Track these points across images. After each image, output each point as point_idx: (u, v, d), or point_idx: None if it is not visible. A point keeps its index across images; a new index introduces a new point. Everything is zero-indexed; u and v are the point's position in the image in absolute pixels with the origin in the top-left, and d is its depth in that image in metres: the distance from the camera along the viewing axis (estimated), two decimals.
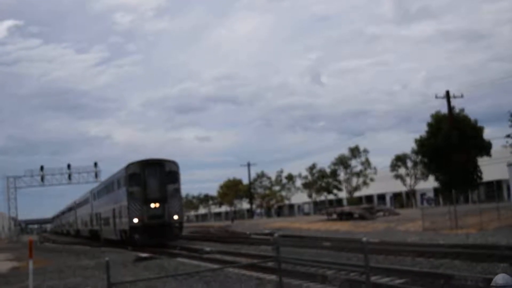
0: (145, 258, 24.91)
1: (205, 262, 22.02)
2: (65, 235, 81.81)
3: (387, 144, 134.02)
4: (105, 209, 42.68)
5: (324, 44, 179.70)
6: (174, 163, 35.48)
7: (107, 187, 42.46)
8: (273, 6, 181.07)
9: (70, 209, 73.94)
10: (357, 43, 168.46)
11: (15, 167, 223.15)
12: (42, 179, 73.18)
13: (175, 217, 33.96)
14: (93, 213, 50.00)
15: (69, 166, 73.90)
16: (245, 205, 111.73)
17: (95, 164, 74.93)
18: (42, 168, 72.82)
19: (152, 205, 33.36)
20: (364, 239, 11.41)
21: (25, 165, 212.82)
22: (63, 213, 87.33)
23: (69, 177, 73.83)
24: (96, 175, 73.01)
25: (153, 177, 33.86)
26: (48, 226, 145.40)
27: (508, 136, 46.10)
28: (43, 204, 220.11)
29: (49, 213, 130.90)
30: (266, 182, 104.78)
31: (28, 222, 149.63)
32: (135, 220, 33.04)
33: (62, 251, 37.91)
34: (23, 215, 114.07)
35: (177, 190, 35.07)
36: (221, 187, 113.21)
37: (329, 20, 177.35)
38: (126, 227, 34.51)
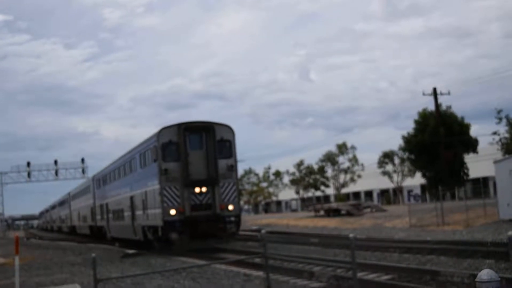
0: (132, 255, 24.82)
1: (192, 258, 21.98)
2: (55, 231, 76.95)
3: (375, 140, 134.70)
4: (117, 198, 33.13)
5: (313, 41, 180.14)
6: (228, 128, 25.20)
7: (122, 168, 32.07)
8: (262, 3, 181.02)
9: (62, 202, 66.18)
10: (346, 40, 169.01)
11: (1, 163, 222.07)
12: (29, 175, 72.94)
13: (230, 207, 24.17)
14: (96, 204, 40.79)
15: (56, 162, 73.72)
16: None
17: (82, 160, 74.89)
18: (28, 164, 72.61)
19: (197, 190, 23.70)
20: (351, 235, 11.49)
21: (12, 161, 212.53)
22: (53, 207, 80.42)
23: (56, 173, 73.61)
24: (83, 171, 72.86)
25: (198, 148, 24.16)
26: (35, 223, 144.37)
27: (494, 133, 46.59)
28: (30, 200, 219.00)
29: (36, 209, 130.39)
30: (253, 179, 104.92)
31: (15, 219, 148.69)
32: (172, 212, 23.13)
33: (49, 247, 37.71)
34: (9, 211, 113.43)
35: (232, 168, 24.72)
36: None
37: (318, 17, 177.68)
38: (156, 222, 24.25)
